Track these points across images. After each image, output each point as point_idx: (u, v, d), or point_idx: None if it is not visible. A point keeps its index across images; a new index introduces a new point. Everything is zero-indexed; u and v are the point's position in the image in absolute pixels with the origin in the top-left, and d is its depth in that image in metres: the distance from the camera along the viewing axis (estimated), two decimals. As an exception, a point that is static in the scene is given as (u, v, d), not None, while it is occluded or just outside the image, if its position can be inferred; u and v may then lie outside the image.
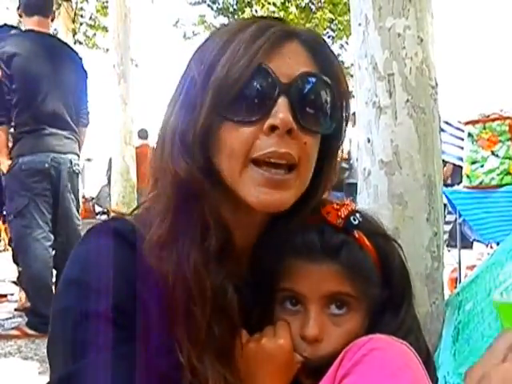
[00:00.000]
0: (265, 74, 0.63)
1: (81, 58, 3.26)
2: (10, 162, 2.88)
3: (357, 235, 0.71)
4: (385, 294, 0.73)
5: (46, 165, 2.89)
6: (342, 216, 0.70)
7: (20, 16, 3.13)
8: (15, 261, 3.18)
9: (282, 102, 0.63)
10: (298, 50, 0.67)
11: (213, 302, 0.63)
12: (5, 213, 3.26)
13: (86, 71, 3.26)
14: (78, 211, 3.17)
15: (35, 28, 3.01)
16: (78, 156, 3.16)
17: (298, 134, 0.64)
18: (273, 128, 0.62)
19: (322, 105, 0.67)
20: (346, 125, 0.74)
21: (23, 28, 3.19)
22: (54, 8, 3.24)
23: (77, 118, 3.12)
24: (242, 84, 0.62)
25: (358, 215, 0.72)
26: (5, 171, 2.89)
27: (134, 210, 0.74)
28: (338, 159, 0.77)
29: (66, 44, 3.32)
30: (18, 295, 3.59)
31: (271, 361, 0.67)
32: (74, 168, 3.07)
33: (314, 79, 0.66)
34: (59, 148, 2.96)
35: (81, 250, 0.67)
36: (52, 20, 3.18)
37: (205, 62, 0.65)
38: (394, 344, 0.64)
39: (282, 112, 0.62)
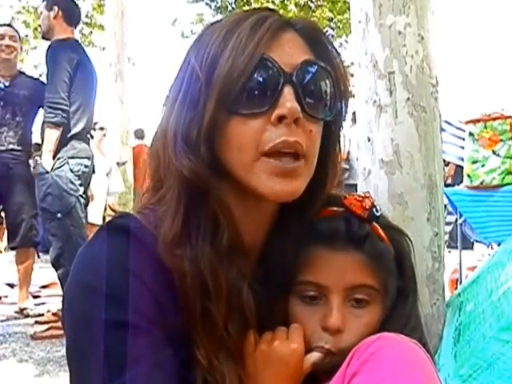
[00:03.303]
0: (269, 64, 0.63)
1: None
2: (52, 161, 2.93)
3: (375, 227, 0.72)
4: (397, 287, 0.73)
5: (88, 169, 3.08)
6: (367, 207, 0.71)
7: (54, 18, 3.11)
8: (57, 262, 2.89)
9: (288, 91, 0.63)
10: (296, 39, 0.68)
11: (228, 300, 0.63)
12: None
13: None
14: None
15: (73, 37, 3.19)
16: None
17: (303, 122, 0.64)
18: (280, 118, 0.62)
19: (323, 92, 0.68)
20: (346, 111, 0.73)
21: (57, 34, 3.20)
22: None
23: None
24: (248, 77, 0.62)
25: (378, 207, 0.73)
26: (48, 169, 2.92)
27: (140, 208, 0.72)
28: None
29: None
30: (18, 298, 3.55)
31: (282, 365, 0.66)
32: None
33: (314, 67, 0.67)
34: (90, 153, 3.16)
35: (92, 251, 0.65)
36: None
37: (206, 57, 0.64)
38: (402, 342, 0.63)
39: (288, 101, 0.62)
